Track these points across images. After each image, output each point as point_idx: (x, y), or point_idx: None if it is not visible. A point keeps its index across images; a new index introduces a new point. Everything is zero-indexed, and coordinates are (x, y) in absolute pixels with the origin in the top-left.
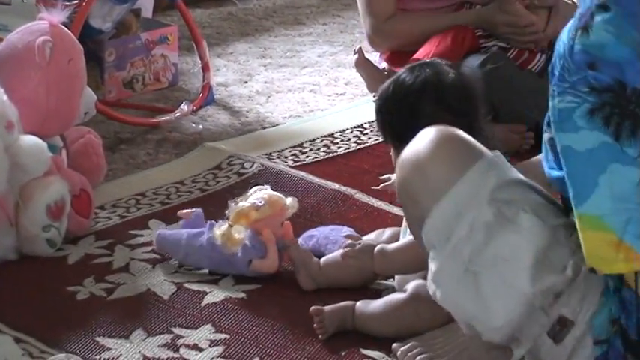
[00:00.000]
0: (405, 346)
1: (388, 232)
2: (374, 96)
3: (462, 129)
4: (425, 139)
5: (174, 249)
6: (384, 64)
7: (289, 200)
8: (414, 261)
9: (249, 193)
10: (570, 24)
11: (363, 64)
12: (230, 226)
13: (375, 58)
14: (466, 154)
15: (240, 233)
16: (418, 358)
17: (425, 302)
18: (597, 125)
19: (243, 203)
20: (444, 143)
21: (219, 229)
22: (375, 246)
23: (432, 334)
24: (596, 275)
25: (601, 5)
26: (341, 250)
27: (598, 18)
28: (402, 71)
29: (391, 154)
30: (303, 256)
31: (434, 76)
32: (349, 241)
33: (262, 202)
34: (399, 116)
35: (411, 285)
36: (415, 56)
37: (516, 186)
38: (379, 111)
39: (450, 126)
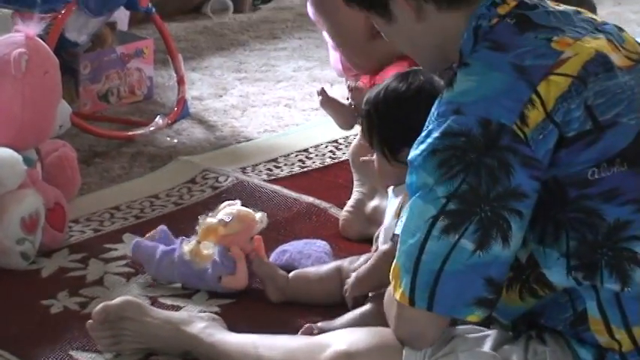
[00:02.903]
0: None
1: (362, 258)
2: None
3: None
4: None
5: (148, 260)
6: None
7: (259, 215)
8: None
9: (219, 208)
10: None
11: (327, 103)
12: (198, 242)
13: (343, 93)
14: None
15: (209, 249)
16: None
17: None
18: (430, 165)
19: (210, 219)
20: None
21: (188, 245)
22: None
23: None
24: None
25: (463, 64)
26: (312, 269)
27: (460, 73)
28: (391, 78)
29: (365, 157)
30: (267, 269)
31: (427, 84)
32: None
33: (230, 218)
34: (390, 123)
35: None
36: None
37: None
38: (367, 116)
39: None
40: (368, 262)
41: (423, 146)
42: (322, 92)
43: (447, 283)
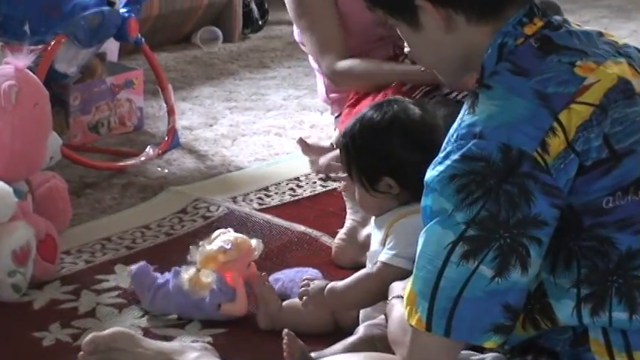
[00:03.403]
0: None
1: None
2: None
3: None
4: None
5: (145, 288)
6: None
7: (255, 242)
8: (365, 295)
9: (213, 236)
10: (460, 113)
11: (308, 151)
12: (198, 270)
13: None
14: None
15: (208, 277)
16: None
17: (379, 341)
18: (448, 191)
19: (210, 247)
20: None
21: (187, 273)
22: (326, 285)
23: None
24: None
25: (484, 85)
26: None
27: (482, 96)
28: (367, 109)
29: (343, 188)
30: (266, 293)
31: (401, 113)
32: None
33: (230, 245)
34: (367, 153)
35: (361, 328)
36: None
37: None
38: (345, 148)
39: (419, 163)
40: (347, 279)
41: (440, 168)
42: (301, 142)
43: (465, 309)
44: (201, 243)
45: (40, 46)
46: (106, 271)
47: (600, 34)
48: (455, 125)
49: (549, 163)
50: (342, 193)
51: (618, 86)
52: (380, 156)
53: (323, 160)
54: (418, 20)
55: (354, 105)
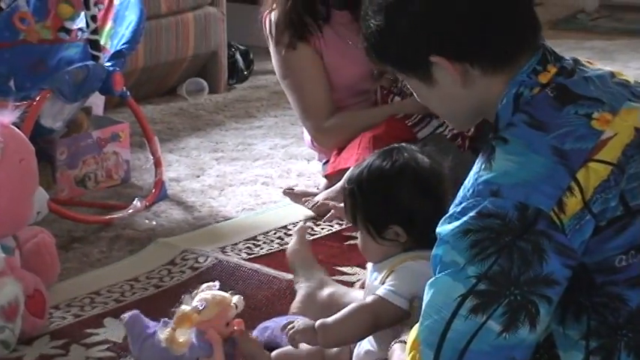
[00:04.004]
0: None
1: None
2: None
3: (438, 214)
4: None
5: (136, 335)
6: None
7: (235, 298)
8: (356, 327)
9: (199, 290)
10: (475, 165)
11: (296, 200)
12: (173, 329)
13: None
14: None
15: (185, 335)
16: None
17: None
18: (462, 245)
19: (185, 306)
20: None
21: (163, 333)
22: (314, 322)
23: None
24: None
25: (501, 138)
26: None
27: (499, 150)
28: (374, 156)
29: (351, 234)
30: (251, 348)
31: (412, 161)
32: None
33: (204, 305)
34: (374, 201)
35: None
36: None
37: None
38: (351, 195)
39: (428, 212)
40: (338, 313)
41: (456, 223)
42: (288, 192)
43: None
44: (194, 293)
45: (25, 102)
46: (96, 324)
47: (612, 74)
48: (471, 178)
49: (565, 223)
50: (290, 265)
51: (634, 141)
52: (389, 204)
53: (319, 197)
54: (432, 76)
55: (341, 151)
